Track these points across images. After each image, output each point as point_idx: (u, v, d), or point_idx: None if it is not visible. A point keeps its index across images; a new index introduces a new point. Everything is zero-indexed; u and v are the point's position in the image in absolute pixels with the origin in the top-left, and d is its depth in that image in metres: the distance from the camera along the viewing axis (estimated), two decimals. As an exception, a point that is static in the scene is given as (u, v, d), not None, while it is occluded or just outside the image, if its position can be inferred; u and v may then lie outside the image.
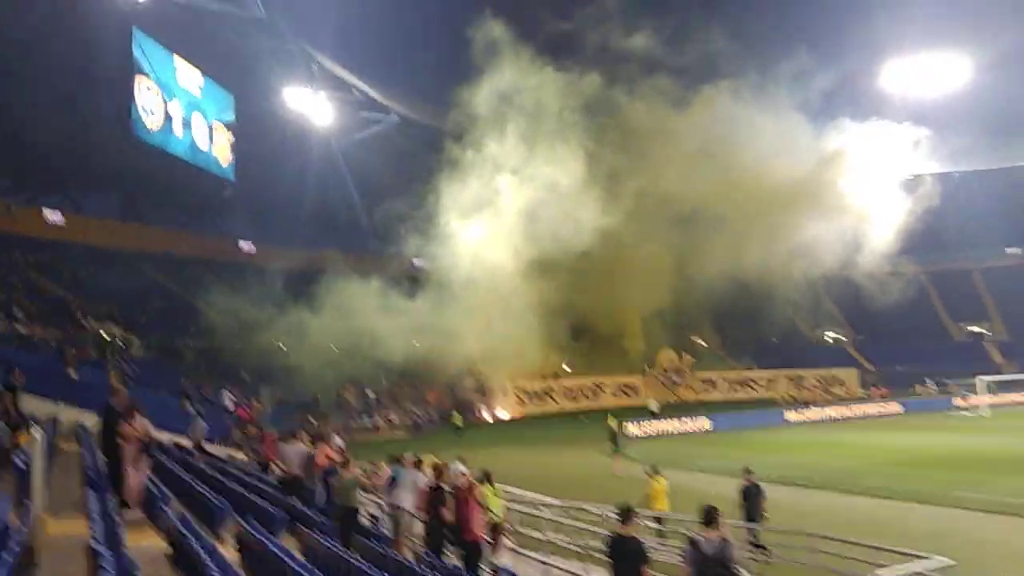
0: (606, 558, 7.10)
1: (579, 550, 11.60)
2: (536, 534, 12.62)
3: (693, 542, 6.61)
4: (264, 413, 37.12)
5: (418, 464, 11.69)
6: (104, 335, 38.55)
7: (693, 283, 53.81)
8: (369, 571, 6.81)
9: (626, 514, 7.03)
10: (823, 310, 75.17)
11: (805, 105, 52.50)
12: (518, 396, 53.24)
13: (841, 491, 19.74)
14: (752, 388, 64.24)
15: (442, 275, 49.69)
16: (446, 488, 10.22)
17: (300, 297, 46.88)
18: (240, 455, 26.07)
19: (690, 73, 51.07)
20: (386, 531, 11.18)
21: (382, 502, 13.01)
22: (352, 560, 7.23)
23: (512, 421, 50.23)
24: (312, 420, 37.14)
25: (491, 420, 50.68)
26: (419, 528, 10.85)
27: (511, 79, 48.26)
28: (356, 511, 10.44)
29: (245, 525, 8.10)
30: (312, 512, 10.63)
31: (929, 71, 62.53)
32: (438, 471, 10.59)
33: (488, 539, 8.92)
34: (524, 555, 10.15)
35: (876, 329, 73.30)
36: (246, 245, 62.83)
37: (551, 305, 49.21)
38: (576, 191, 48.34)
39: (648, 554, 6.97)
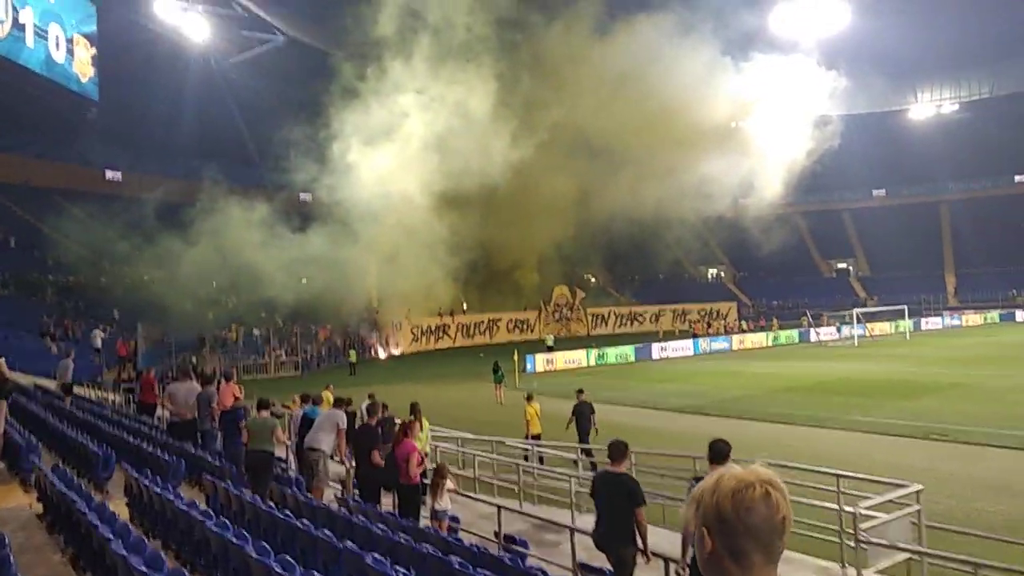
0: (590, 496, 6.31)
1: (507, 486, 11.17)
2: (459, 471, 12.12)
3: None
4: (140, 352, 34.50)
5: (340, 403, 10.61)
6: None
7: (590, 219, 54.02)
8: (293, 522, 5.94)
9: (617, 449, 6.17)
10: (706, 249, 78.08)
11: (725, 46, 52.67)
12: (413, 333, 52.34)
13: (744, 418, 20.28)
14: (639, 322, 66.11)
15: (335, 208, 47.40)
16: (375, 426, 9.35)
17: (174, 229, 43.62)
18: (113, 397, 24.06)
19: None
20: (295, 476, 10.20)
21: (288, 445, 11.96)
22: (272, 511, 6.32)
23: (405, 357, 49.42)
24: (195, 359, 35.15)
25: (384, 357, 49.69)
26: (337, 472, 9.97)
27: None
28: (271, 455, 9.35)
29: (136, 475, 6.98)
30: (212, 458, 9.49)
31: (811, 14, 64.20)
32: (372, 408, 9.57)
33: (426, 481, 8.19)
34: (464, 496, 9.44)
35: (752, 265, 77.09)
36: (112, 173, 58.04)
37: (452, 240, 48.04)
38: (486, 119, 46.39)
39: (641, 495, 6.04)
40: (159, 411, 20.16)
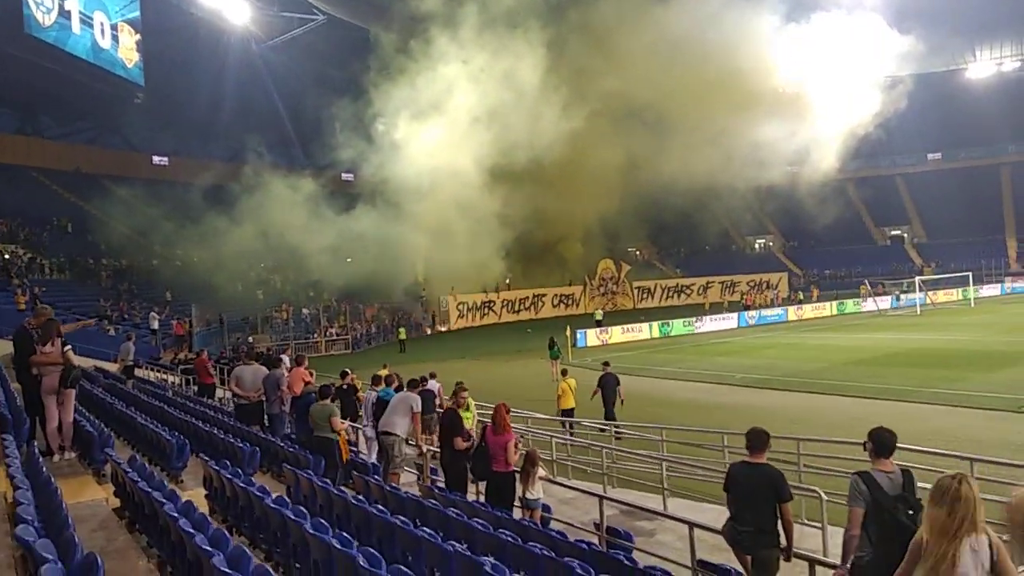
0: (723, 491, 5.60)
1: (579, 467, 10.69)
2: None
3: (866, 477, 4.68)
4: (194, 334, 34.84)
5: (415, 384, 10.07)
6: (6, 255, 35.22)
7: (637, 190, 52.82)
8: (379, 514, 5.51)
9: (758, 438, 5.44)
10: (755, 218, 76.25)
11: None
12: (458, 309, 52.10)
13: (821, 392, 19.48)
14: (687, 294, 64.96)
15: (380, 186, 47.14)
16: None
17: (221, 212, 43.92)
18: (172, 379, 24.18)
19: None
20: (372, 462, 9.82)
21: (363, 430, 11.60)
22: (355, 502, 5.92)
23: (453, 334, 49.27)
24: (251, 339, 35.40)
25: (431, 334, 49.59)
26: (410, 456, 9.53)
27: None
28: (333, 442, 8.93)
29: (213, 465, 6.64)
30: (285, 444, 9.14)
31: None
32: (456, 392, 9.05)
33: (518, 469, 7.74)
34: (554, 483, 8.94)
35: (803, 235, 75.06)
36: (159, 158, 58.75)
37: (499, 214, 47.39)
38: (535, 89, 45.20)
39: (788, 489, 5.40)
40: (219, 392, 20.25)
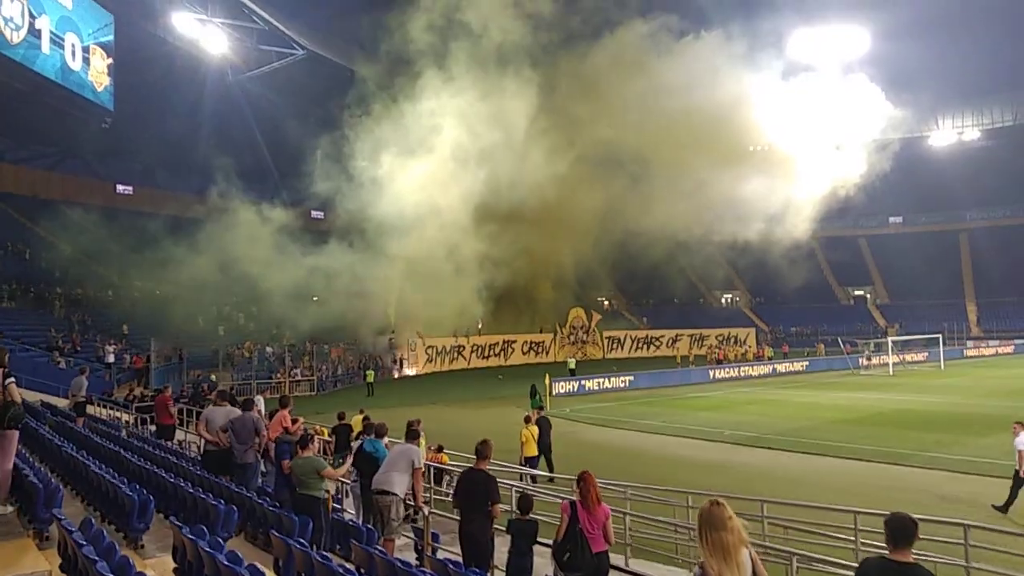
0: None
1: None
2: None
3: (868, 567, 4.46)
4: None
5: (414, 435, 8.85)
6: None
7: (611, 238, 52.65)
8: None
9: (904, 529, 4.52)
10: (722, 273, 76.74)
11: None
12: (427, 353, 50.88)
13: (816, 453, 18.92)
14: (656, 346, 64.69)
15: (351, 225, 46.17)
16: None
17: (185, 245, 42.48)
18: (126, 417, 22.61)
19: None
20: (362, 525, 8.64)
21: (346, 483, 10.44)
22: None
23: (420, 378, 47.95)
24: (213, 377, 33.80)
25: (397, 377, 48.23)
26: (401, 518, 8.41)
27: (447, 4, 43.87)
28: (319, 502, 7.92)
29: (187, 532, 5.58)
30: (263, 501, 8.01)
31: (830, 40, 63.07)
32: (483, 449, 7.37)
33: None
34: None
35: (770, 292, 75.72)
36: (123, 187, 57.19)
37: (478, 256, 46.60)
38: (523, 132, 44.99)
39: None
40: (179, 434, 18.87)
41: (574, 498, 6.53)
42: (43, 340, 32.94)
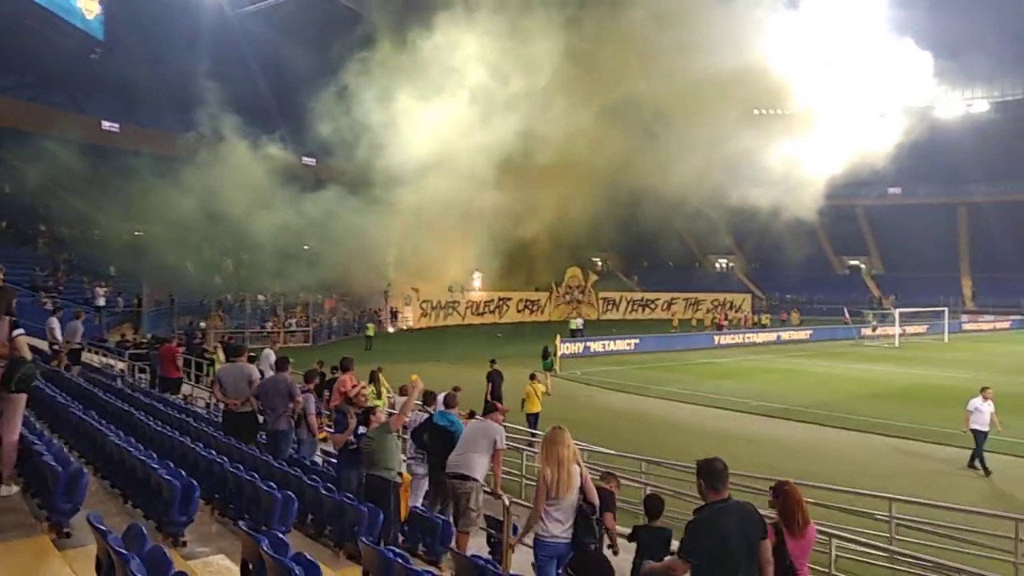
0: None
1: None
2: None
3: None
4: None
5: (493, 409, 7.57)
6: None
7: (615, 195, 51.09)
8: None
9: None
10: (717, 237, 75.67)
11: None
12: (422, 308, 49.71)
13: (853, 428, 18.09)
14: (651, 309, 63.94)
15: (350, 172, 44.42)
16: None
17: (175, 185, 40.66)
18: (120, 365, 21.27)
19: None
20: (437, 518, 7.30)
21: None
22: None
23: (416, 333, 46.83)
24: (203, 324, 32.49)
25: (392, 331, 47.05)
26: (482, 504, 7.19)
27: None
28: (392, 486, 6.54)
29: (244, 526, 4.42)
30: (315, 482, 6.75)
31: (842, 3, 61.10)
32: (608, 479, 6.46)
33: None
34: None
35: (765, 258, 74.87)
36: (108, 124, 54.70)
37: (485, 208, 44.93)
38: (547, 78, 43.01)
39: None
40: (186, 388, 17.66)
41: (774, 518, 5.00)
42: (26, 279, 31.36)
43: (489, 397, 16.01)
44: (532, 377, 18.19)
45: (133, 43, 45.73)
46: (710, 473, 4.40)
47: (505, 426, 12.97)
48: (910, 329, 47.03)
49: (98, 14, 40.57)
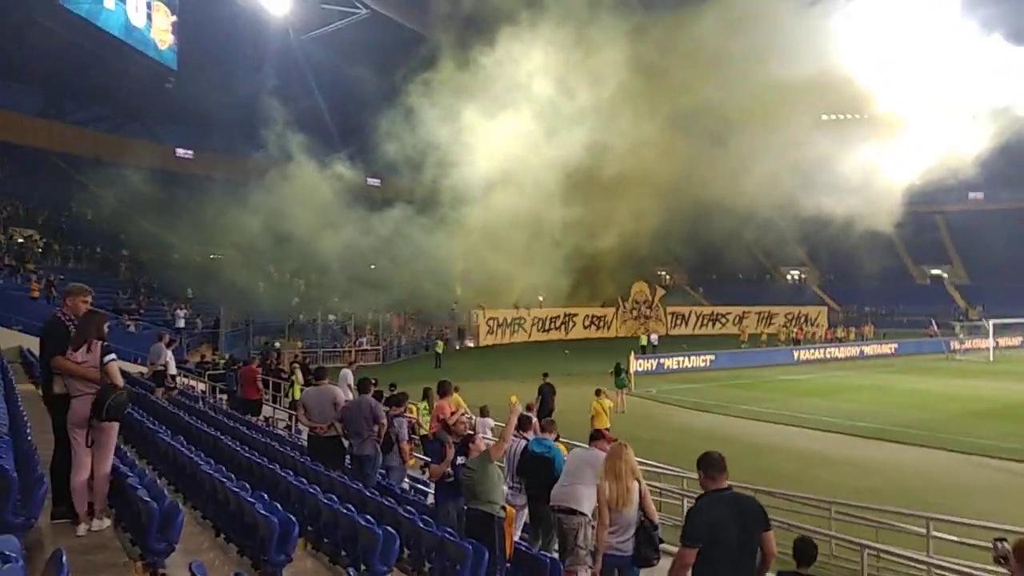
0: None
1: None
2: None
3: None
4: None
5: (599, 436, 7.07)
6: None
7: (680, 206, 49.90)
8: None
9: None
10: (789, 248, 73.38)
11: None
12: (488, 325, 49.48)
13: (962, 451, 16.94)
14: (721, 323, 62.26)
15: (431, 193, 44.57)
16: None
17: (246, 210, 41.53)
18: (201, 387, 21.55)
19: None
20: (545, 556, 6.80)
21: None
22: None
23: (482, 350, 46.59)
24: (278, 344, 32.90)
25: (459, 349, 46.93)
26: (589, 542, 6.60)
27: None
28: (495, 521, 6.08)
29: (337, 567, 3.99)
30: (412, 515, 6.33)
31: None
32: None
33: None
34: None
35: (840, 269, 72.15)
36: (183, 151, 56.64)
37: (552, 224, 44.48)
38: (612, 90, 42.42)
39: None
40: (266, 410, 17.69)
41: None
42: (110, 303, 32.34)
43: (537, 411, 15.53)
44: (598, 393, 18.18)
45: (204, 71, 47.08)
46: (708, 464, 4.68)
47: (572, 444, 12.50)
48: (1002, 341, 44.49)
49: (171, 44, 41.93)
